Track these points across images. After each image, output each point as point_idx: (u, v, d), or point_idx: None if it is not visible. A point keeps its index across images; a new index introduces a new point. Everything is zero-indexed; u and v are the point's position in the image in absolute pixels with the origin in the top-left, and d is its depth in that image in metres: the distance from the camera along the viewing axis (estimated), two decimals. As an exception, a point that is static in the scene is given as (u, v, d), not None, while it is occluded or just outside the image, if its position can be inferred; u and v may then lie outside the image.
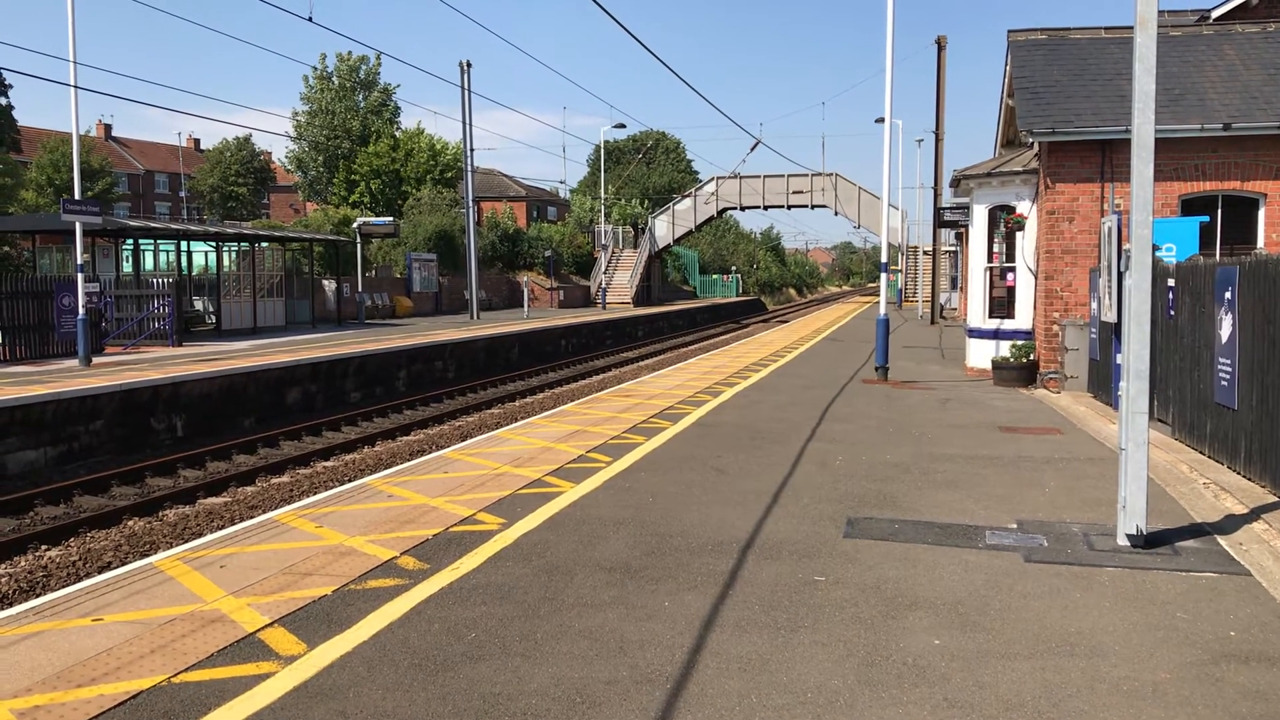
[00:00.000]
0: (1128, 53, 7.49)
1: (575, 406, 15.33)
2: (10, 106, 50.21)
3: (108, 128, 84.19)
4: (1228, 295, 9.50)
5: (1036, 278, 17.92)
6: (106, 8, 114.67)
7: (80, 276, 20.80)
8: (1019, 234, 18.43)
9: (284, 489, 13.83)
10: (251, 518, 9.29)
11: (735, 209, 61.34)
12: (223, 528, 10.75)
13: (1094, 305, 15.22)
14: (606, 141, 68.00)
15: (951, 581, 6.41)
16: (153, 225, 33.73)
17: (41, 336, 22.29)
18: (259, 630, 5.50)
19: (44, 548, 11.03)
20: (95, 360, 20.65)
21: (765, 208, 60.19)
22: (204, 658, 5.11)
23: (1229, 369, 9.53)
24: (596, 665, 5.05)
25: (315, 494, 12.46)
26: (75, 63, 19.78)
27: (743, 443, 11.57)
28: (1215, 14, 20.17)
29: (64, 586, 8.65)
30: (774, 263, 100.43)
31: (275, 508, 12.19)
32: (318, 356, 21.60)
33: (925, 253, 50.13)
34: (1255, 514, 8.03)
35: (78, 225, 20.92)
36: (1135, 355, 7.10)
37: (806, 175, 57.56)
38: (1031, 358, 17.47)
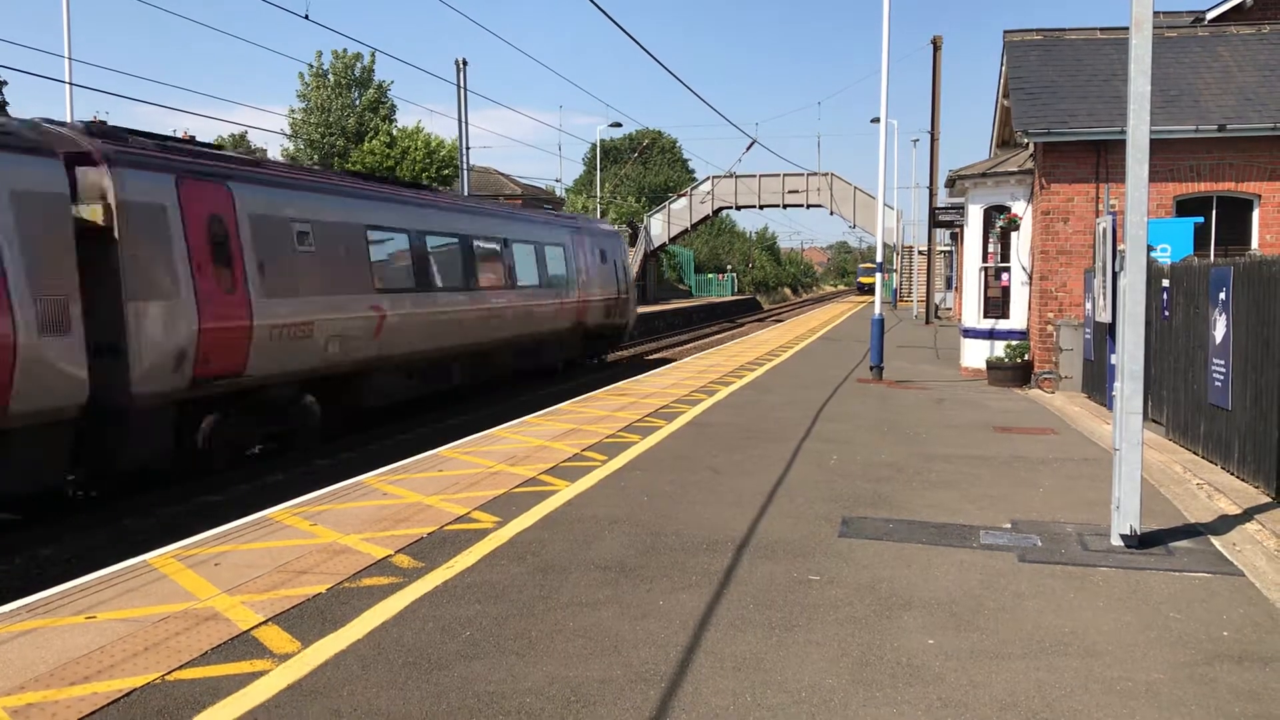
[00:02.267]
0: (1123, 54, 7.51)
1: (570, 405, 15.32)
2: (5, 103, 50.05)
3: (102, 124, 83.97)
4: (1222, 296, 9.53)
5: (1031, 278, 17.95)
6: (102, 4, 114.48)
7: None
8: (1014, 234, 18.48)
9: (278, 486, 13.79)
10: (245, 515, 9.25)
11: (731, 208, 61.43)
12: (216, 525, 10.71)
13: (1088, 306, 15.24)
14: (603, 140, 68.00)
15: (946, 581, 6.42)
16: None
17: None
18: (253, 628, 5.50)
19: (37, 544, 10.98)
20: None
21: (761, 207, 60.26)
22: (197, 655, 5.10)
23: (1223, 370, 9.55)
24: (591, 664, 5.05)
25: (309, 491, 12.43)
26: (70, 59, 19.76)
27: (738, 442, 11.57)
28: (1210, 16, 20.22)
29: (57, 584, 8.61)
30: (769, 262, 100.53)
31: (269, 505, 12.16)
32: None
33: (920, 253, 50.19)
34: (1249, 514, 8.05)
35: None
36: (1130, 356, 7.11)
37: (802, 175, 57.61)
38: (1026, 358, 17.50)
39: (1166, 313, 11.68)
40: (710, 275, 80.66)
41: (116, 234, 10.22)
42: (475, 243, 18.11)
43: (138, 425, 10.72)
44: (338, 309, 13.75)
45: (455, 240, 17.49)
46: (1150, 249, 10.71)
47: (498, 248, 19.18)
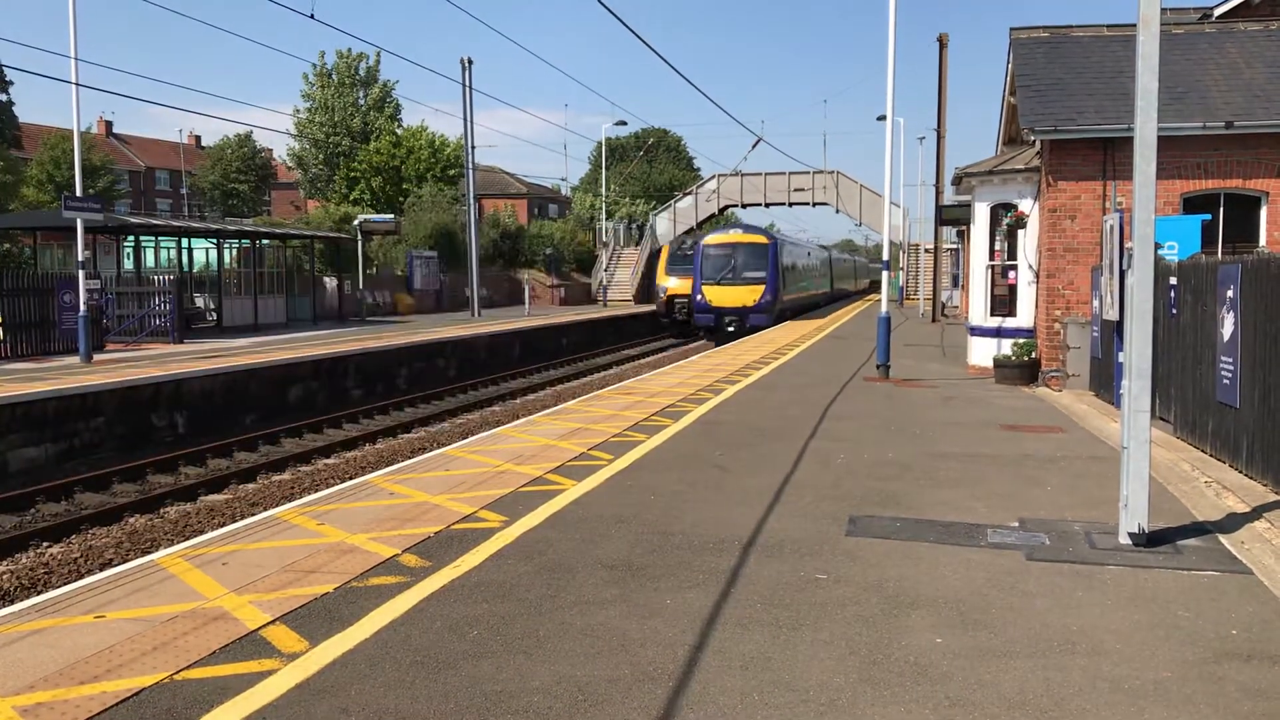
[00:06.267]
0: (1130, 50, 7.49)
1: (576, 404, 15.32)
2: (11, 103, 50.23)
3: (109, 124, 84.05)
4: (1230, 294, 9.50)
5: (1038, 276, 17.89)
6: (108, 4, 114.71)
7: (81, 273, 20.82)
8: (1021, 232, 18.41)
9: (285, 486, 13.84)
10: (253, 515, 9.29)
11: (736, 206, 61.31)
12: (224, 525, 10.75)
13: (1096, 303, 15.20)
14: (608, 139, 67.93)
15: (953, 580, 6.41)
16: (154, 222, 33.74)
17: (43, 333, 22.34)
18: (261, 628, 5.51)
19: (46, 544, 11.04)
20: (96, 357, 20.66)
21: (766, 205, 60.16)
22: (206, 655, 5.11)
23: (1231, 367, 9.52)
24: (598, 663, 5.05)
25: (317, 491, 12.46)
26: (76, 59, 19.80)
27: (744, 440, 11.57)
28: (1217, 12, 20.13)
29: (66, 584, 8.65)
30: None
31: (277, 505, 12.19)
32: (319, 354, 21.61)
33: (927, 250, 50.06)
34: (1257, 512, 8.02)
35: (79, 222, 20.94)
36: (1137, 353, 7.09)
37: (808, 173, 57.51)
38: (1033, 356, 17.46)
39: (1174, 310, 11.65)
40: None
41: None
42: None
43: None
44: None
45: None
46: (1158, 246, 10.69)
47: None
